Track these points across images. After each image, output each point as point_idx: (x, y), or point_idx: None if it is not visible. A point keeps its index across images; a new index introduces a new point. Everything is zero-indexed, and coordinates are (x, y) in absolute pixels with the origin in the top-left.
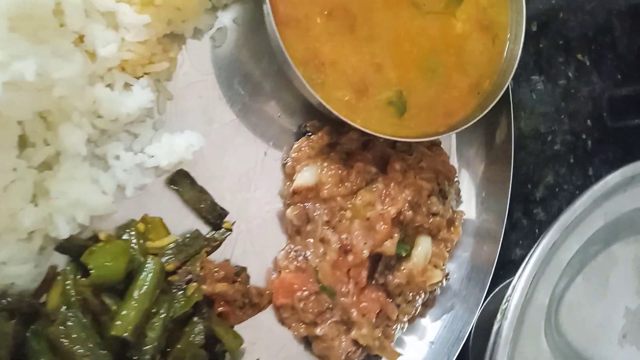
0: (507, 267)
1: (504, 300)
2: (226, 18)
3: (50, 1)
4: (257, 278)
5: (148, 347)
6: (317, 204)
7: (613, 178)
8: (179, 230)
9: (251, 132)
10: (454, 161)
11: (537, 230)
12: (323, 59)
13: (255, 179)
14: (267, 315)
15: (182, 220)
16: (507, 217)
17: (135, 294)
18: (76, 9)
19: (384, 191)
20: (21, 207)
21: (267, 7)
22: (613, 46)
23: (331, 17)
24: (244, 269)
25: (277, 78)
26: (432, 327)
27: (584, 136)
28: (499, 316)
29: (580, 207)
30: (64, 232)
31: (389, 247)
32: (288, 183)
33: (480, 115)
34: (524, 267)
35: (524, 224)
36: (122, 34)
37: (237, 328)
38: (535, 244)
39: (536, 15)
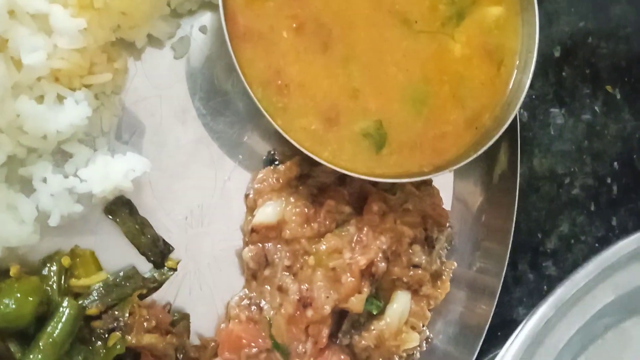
0: (507, 328)
1: None
2: (190, 26)
3: None
4: (205, 326)
5: None
6: (279, 245)
7: (627, 245)
8: (114, 268)
9: (211, 156)
10: (448, 203)
11: (545, 287)
12: (287, 80)
13: (211, 211)
14: None
15: (120, 257)
16: (512, 270)
17: (43, 342)
18: None
19: (356, 237)
20: None
21: (221, 18)
22: None
23: (301, 31)
24: (185, 316)
25: (247, 96)
26: None
27: (608, 180)
28: None
29: (584, 278)
30: None
31: (356, 303)
32: (249, 218)
33: (475, 155)
34: (509, 346)
35: (530, 278)
36: (55, 39)
37: None
38: (525, 320)
39: (560, 39)
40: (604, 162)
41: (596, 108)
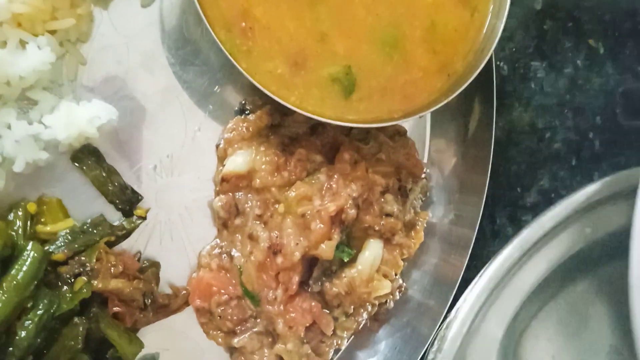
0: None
1: (443, 326)
2: None
3: None
4: (177, 275)
5: (15, 348)
6: (250, 195)
7: (599, 190)
8: (82, 216)
9: (180, 106)
10: (424, 156)
11: None
12: (252, 22)
13: (181, 162)
14: (187, 319)
15: (87, 205)
16: (490, 224)
17: (6, 284)
18: None
19: (326, 184)
20: None
21: None
22: (634, 33)
23: None
24: (154, 264)
25: (217, 45)
26: (383, 345)
27: (591, 135)
28: (435, 345)
29: (551, 221)
30: None
31: (326, 250)
32: (220, 168)
33: (446, 101)
34: (470, 290)
35: (508, 232)
36: None
37: (146, 331)
38: (488, 262)
39: None
40: (586, 116)
41: (578, 62)
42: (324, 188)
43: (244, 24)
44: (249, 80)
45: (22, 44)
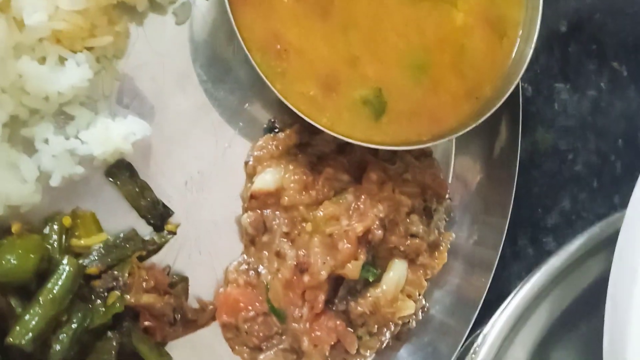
0: (504, 301)
1: (470, 352)
2: None
3: None
4: (204, 291)
5: None
6: (277, 212)
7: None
8: (115, 230)
9: (211, 123)
10: (448, 175)
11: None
12: (286, 45)
13: (211, 178)
14: (214, 334)
15: (120, 219)
16: (511, 246)
17: (42, 298)
18: None
19: (353, 204)
20: None
21: None
22: None
23: None
24: (183, 279)
25: (248, 64)
26: None
27: (612, 158)
28: None
29: (579, 249)
30: None
31: (352, 269)
32: (249, 185)
33: (474, 125)
34: (498, 316)
35: (529, 253)
36: (57, 1)
37: (173, 345)
38: (516, 289)
39: (567, 14)
40: (608, 139)
41: (602, 84)
42: (352, 208)
43: (278, 46)
44: (278, 99)
45: (61, 60)
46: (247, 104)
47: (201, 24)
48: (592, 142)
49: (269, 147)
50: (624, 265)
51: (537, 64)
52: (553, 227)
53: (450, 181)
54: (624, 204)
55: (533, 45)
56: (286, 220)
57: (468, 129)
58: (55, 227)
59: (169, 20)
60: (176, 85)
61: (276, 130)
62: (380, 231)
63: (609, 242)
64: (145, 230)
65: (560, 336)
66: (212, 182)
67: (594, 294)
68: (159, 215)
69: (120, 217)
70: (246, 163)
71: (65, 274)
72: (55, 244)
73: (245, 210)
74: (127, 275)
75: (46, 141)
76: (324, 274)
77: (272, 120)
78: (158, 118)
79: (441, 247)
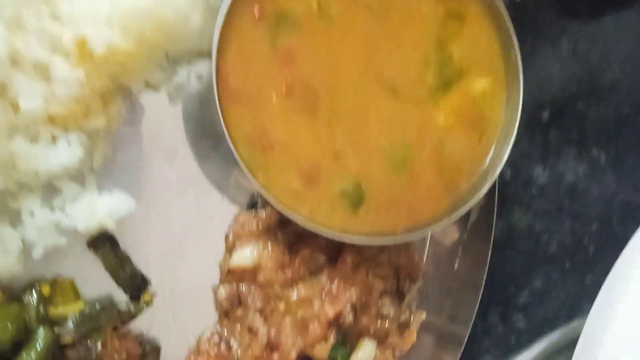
0: None
1: None
2: (187, 72)
3: None
4: (175, 357)
5: None
6: (253, 287)
7: None
8: (92, 294)
9: (195, 196)
10: (424, 256)
11: (513, 339)
12: (273, 140)
13: (191, 248)
14: None
15: (98, 285)
16: (482, 321)
17: None
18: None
19: (327, 287)
20: None
21: (214, 84)
22: (635, 145)
23: (290, 94)
24: (155, 350)
25: None
26: None
27: (586, 240)
28: None
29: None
30: None
31: (321, 351)
32: (227, 257)
33: (448, 221)
34: None
35: (499, 330)
36: (53, 87)
37: None
38: None
39: (550, 102)
40: (583, 222)
41: (580, 169)
42: (325, 290)
43: (265, 142)
44: None
45: (53, 138)
46: (232, 178)
47: (193, 102)
48: (567, 225)
49: (250, 224)
50: None
51: (518, 148)
52: (524, 305)
53: (425, 260)
54: (594, 285)
55: (510, 146)
56: (261, 296)
57: (442, 225)
58: (35, 296)
59: (161, 99)
60: (164, 159)
61: (258, 206)
62: (351, 315)
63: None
64: (122, 297)
65: None
66: (191, 252)
67: None
68: (136, 286)
69: (98, 284)
70: (226, 236)
71: (40, 344)
72: (33, 313)
73: (221, 281)
74: (100, 346)
75: (32, 213)
76: (293, 354)
77: (254, 196)
78: (143, 190)
79: (412, 327)
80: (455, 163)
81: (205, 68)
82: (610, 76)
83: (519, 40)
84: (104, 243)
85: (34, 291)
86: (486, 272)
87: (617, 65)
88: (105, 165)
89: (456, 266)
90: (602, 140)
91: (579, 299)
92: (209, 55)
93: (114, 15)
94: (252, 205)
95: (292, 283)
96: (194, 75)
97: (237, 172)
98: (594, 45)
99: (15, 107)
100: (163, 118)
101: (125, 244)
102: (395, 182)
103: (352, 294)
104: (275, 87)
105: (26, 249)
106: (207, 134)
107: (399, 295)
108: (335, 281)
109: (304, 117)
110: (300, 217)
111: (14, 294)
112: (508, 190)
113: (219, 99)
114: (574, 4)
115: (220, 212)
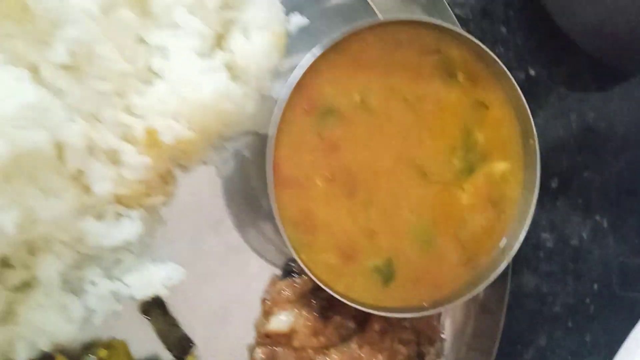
0: None
1: None
2: (233, 147)
3: (51, 151)
4: None
5: None
6: (288, 350)
7: None
8: (140, 354)
9: (238, 263)
10: (442, 318)
11: None
12: (316, 221)
13: (232, 313)
14: None
15: (147, 345)
16: None
17: None
18: (77, 152)
19: (355, 353)
20: None
21: (269, 172)
22: (635, 210)
23: (333, 180)
24: None
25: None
26: None
27: (587, 300)
28: None
29: None
30: (22, 357)
31: None
32: (264, 320)
33: (469, 296)
34: None
35: None
36: (121, 170)
37: None
38: None
39: (559, 172)
40: (585, 283)
41: (584, 234)
42: (355, 355)
43: (309, 222)
44: None
45: (117, 215)
46: (271, 246)
47: (238, 174)
48: (570, 286)
49: (285, 291)
50: None
51: None
52: None
53: (442, 317)
54: (593, 342)
55: (526, 226)
56: (295, 359)
57: (464, 299)
58: (94, 357)
59: (210, 172)
60: (210, 229)
61: (294, 274)
62: None
63: None
64: (168, 357)
65: None
66: (231, 315)
67: None
68: (182, 348)
69: (147, 344)
70: (263, 300)
71: None
72: None
73: (257, 343)
74: None
75: (94, 283)
76: None
77: (290, 262)
78: (192, 258)
79: None
80: (476, 240)
81: (250, 143)
82: (613, 145)
83: (531, 112)
84: (155, 309)
85: (90, 354)
86: (500, 335)
87: (620, 135)
88: (157, 234)
89: (470, 330)
90: (605, 206)
91: (579, 356)
92: (252, 133)
93: (181, 109)
94: (288, 272)
95: (325, 348)
96: (241, 150)
97: (276, 241)
98: (600, 116)
99: (87, 189)
100: (210, 190)
101: (173, 307)
102: (423, 258)
103: (378, 359)
104: (321, 173)
105: (87, 316)
106: (249, 206)
107: (419, 358)
108: (364, 348)
109: (343, 199)
110: (337, 292)
111: (72, 355)
112: (519, 254)
113: (274, 185)
114: (582, 78)
115: (259, 278)
